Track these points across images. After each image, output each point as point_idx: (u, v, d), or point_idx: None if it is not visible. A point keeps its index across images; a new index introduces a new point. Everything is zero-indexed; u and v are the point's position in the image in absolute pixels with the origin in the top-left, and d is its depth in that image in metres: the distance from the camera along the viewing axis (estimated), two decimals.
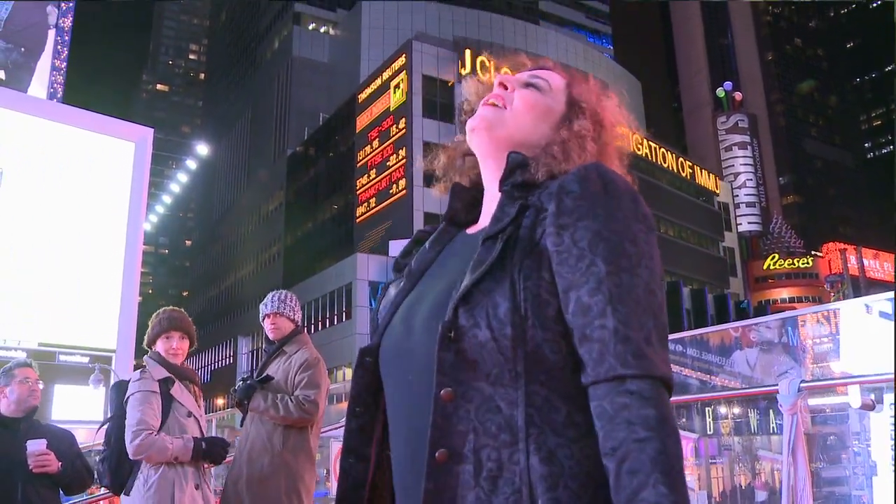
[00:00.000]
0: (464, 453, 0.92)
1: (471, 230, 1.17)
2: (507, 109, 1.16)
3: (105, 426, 3.57)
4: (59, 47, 18.98)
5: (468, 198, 1.21)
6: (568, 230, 0.96)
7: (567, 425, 0.93)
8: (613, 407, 0.89)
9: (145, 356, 3.63)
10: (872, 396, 3.60)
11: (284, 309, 3.77)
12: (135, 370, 3.69)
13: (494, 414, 0.93)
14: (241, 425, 3.67)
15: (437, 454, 0.92)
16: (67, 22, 19.26)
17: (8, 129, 14.51)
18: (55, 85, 18.67)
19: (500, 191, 1.09)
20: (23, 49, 18.59)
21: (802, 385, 3.56)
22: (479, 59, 35.21)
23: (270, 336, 3.77)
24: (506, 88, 1.19)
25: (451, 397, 0.93)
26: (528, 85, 1.19)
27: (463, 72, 35.86)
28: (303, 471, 3.50)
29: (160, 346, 3.60)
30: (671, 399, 0.93)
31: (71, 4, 19.41)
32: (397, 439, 1.04)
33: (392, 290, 1.16)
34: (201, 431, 3.55)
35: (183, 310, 3.79)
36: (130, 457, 3.31)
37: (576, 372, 0.95)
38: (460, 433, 0.93)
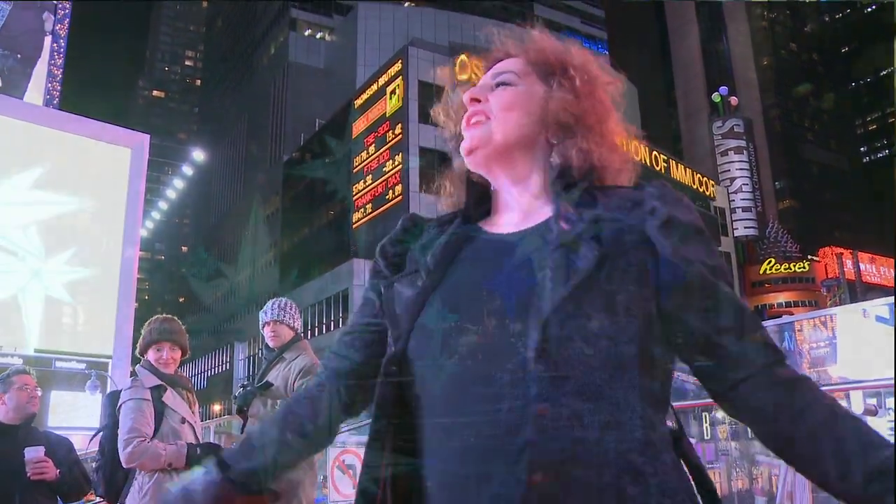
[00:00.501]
0: (556, 473, 0.89)
1: (492, 228, 1.13)
2: (490, 120, 1.12)
3: (98, 435, 3.56)
4: (55, 53, 19.00)
5: (476, 194, 1.18)
6: (675, 240, 0.99)
7: (646, 443, 0.92)
8: (790, 383, 0.97)
9: (137, 365, 3.63)
10: (874, 401, 3.60)
11: (284, 317, 3.77)
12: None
13: (587, 432, 0.90)
14: (242, 432, 3.66)
15: (533, 476, 0.88)
16: (63, 28, 19.28)
17: (4, 135, 14.49)
18: (52, 91, 18.68)
19: (551, 190, 1.09)
20: (19, 55, 18.60)
21: None
22: (474, 63, 35.22)
23: (270, 344, 3.77)
24: (479, 101, 1.14)
25: (545, 413, 0.90)
26: (497, 86, 1.15)
27: (461, 77, 35.84)
28: (302, 476, 3.49)
29: (151, 356, 3.60)
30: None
31: (67, 11, 19.42)
32: (443, 454, 0.96)
33: (406, 290, 1.08)
34: (196, 438, 3.55)
35: (175, 318, 3.78)
36: (123, 465, 3.31)
37: (654, 382, 0.97)
38: (554, 452, 0.89)
